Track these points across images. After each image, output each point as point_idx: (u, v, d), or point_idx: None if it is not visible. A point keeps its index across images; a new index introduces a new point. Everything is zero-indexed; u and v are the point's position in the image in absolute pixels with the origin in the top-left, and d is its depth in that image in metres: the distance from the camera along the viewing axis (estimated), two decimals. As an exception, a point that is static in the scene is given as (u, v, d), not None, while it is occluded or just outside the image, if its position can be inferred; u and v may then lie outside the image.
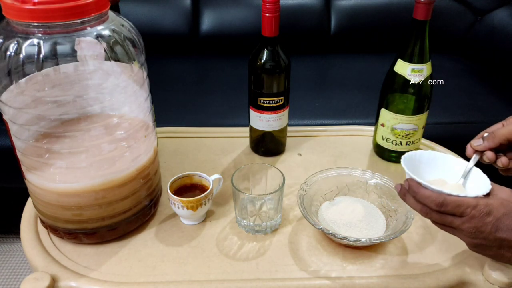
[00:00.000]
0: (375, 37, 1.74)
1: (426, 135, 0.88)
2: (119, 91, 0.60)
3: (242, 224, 0.68)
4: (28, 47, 0.52)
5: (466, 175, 0.58)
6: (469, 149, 0.59)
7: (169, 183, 0.68)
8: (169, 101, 1.37)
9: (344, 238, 0.61)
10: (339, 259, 0.64)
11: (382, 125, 0.83)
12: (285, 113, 0.83)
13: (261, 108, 0.81)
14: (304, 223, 0.70)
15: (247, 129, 0.88)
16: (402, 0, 1.70)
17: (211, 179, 0.70)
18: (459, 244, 0.64)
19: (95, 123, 0.58)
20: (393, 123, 0.81)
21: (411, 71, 0.77)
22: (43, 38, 0.53)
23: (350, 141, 0.93)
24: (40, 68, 0.53)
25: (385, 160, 0.87)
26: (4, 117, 0.58)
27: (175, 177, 0.70)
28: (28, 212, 0.71)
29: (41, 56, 0.52)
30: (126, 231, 0.67)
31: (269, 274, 0.61)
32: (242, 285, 0.60)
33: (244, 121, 0.90)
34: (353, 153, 0.89)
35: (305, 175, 0.74)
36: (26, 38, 0.53)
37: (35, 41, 0.52)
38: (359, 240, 0.61)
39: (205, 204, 0.67)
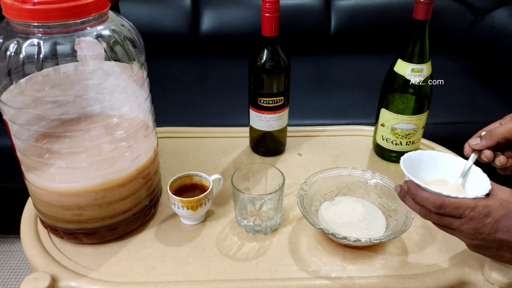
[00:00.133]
0: (375, 37, 1.74)
1: (426, 135, 0.88)
2: (119, 91, 0.60)
3: (242, 224, 0.68)
4: (28, 47, 0.52)
5: (465, 175, 0.58)
6: (467, 148, 0.59)
7: (169, 183, 0.68)
8: (169, 101, 1.37)
9: (344, 238, 0.61)
10: (339, 259, 0.64)
11: (382, 125, 0.83)
12: (285, 113, 0.83)
13: (261, 108, 0.81)
14: (304, 223, 0.70)
15: (247, 129, 0.88)
16: (402, 0, 1.70)
17: (211, 179, 0.70)
18: (459, 244, 0.64)
19: (95, 123, 0.58)
20: (393, 123, 0.81)
21: (411, 71, 0.77)
22: (43, 38, 0.53)
23: (350, 141, 0.93)
24: (40, 68, 0.53)
25: (385, 160, 0.87)
26: (4, 117, 0.58)
27: (175, 177, 0.70)
28: (28, 212, 0.71)
29: (41, 56, 0.52)
30: (126, 231, 0.67)
31: (269, 274, 0.61)
32: (242, 285, 0.60)
33: (244, 121, 0.90)
34: (353, 153, 0.89)
35: (305, 175, 0.74)
36: (26, 38, 0.53)
37: (35, 41, 0.52)
38: (359, 240, 0.61)
39: (205, 204, 0.67)
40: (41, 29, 0.53)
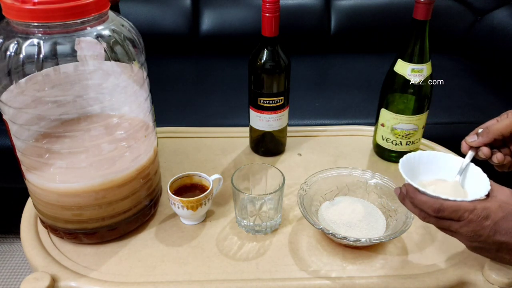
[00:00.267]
0: (375, 37, 1.74)
1: (426, 135, 0.88)
2: (119, 91, 0.60)
3: (242, 224, 0.68)
4: (28, 47, 0.52)
5: (462, 172, 0.58)
6: (464, 146, 0.59)
7: (169, 183, 0.68)
8: (169, 101, 1.37)
9: (344, 238, 0.61)
10: (339, 259, 0.64)
11: (382, 125, 0.83)
12: (285, 113, 0.83)
13: (261, 108, 0.81)
14: (304, 223, 0.70)
15: (247, 129, 0.88)
16: (402, 0, 1.70)
17: (211, 179, 0.70)
18: (459, 244, 0.63)
19: (95, 123, 0.58)
20: (393, 123, 0.81)
21: (411, 71, 0.77)
22: (43, 38, 0.53)
23: (350, 141, 0.93)
24: (40, 68, 0.53)
25: (385, 160, 0.87)
26: (4, 117, 0.58)
27: (175, 177, 0.70)
28: (28, 212, 0.71)
29: (41, 56, 0.52)
30: (126, 231, 0.67)
31: (269, 274, 0.61)
32: (242, 285, 0.60)
33: (244, 121, 0.90)
34: (353, 153, 0.89)
35: (305, 175, 0.74)
36: (26, 38, 0.53)
37: (35, 41, 0.52)
38: (359, 240, 0.61)
39: (205, 204, 0.67)
40: (41, 29, 0.53)
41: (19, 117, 0.57)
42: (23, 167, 0.61)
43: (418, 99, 0.79)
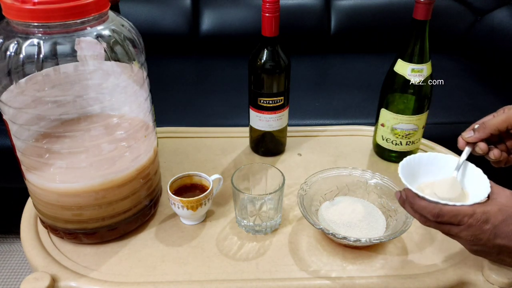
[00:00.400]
0: (375, 37, 1.74)
1: (426, 135, 0.88)
2: (119, 91, 0.60)
3: (242, 224, 0.68)
4: (28, 47, 0.52)
5: (459, 168, 0.58)
6: (460, 141, 0.59)
7: (169, 183, 0.68)
8: (169, 101, 1.37)
9: (344, 238, 0.61)
10: (339, 259, 0.64)
11: (382, 125, 0.83)
12: (285, 113, 0.83)
13: (261, 108, 0.81)
14: (304, 223, 0.70)
15: (247, 129, 0.88)
16: (402, 0, 1.70)
17: (211, 179, 0.70)
18: (459, 244, 0.63)
19: (95, 123, 0.58)
20: (393, 123, 0.81)
21: (411, 71, 0.77)
22: (43, 38, 0.53)
23: (350, 141, 0.93)
24: (40, 68, 0.53)
25: (385, 160, 0.87)
26: (4, 117, 0.58)
27: (175, 177, 0.70)
28: (28, 212, 0.71)
29: (41, 56, 0.52)
30: (126, 231, 0.67)
31: (269, 274, 0.61)
32: (242, 285, 0.60)
33: (244, 121, 0.90)
34: (353, 153, 0.89)
35: (305, 175, 0.74)
36: (26, 38, 0.53)
37: (35, 41, 0.52)
38: (359, 240, 0.61)
39: (205, 204, 0.67)
40: (41, 29, 0.53)
41: (19, 117, 0.57)
42: (23, 167, 0.61)
43: (418, 99, 0.79)
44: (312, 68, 1.63)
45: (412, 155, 0.61)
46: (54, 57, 0.53)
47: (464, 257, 0.63)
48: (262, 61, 0.77)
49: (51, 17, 0.52)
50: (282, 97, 0.80)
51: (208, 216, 0.71)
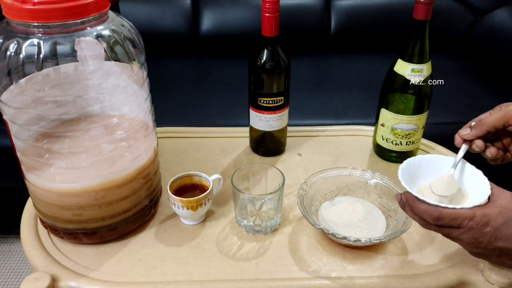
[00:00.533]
0: (375, 37, 1.74)
1: (426, 135, 0.88)
2: (119, 91, 0.60)
3: (242, 224, 0.68)
4: (28, 47, 0.52)
5: (456, 165, 0.58)
6: (457, 139, 0.59)
7: (169, 183, 0.68)
8: (169, 101, 1.37)
9: (344, 238, 0.61)
10: (339, 259, 0.64)
11: (382, 125, 0.83)
12: (285, 113, 0.83)
13: (261, 108, 0.81)
14: (304, 223, 0.70)
15: (247, 129, 0.88)
16: (402, 0, 1.70)
17: (211, 179, 0.70)
18: (459, 245, 0.64)
19: (95, 123, 0.58)
20: (393, 123, 0.81)
21: (411, 71, 0.77)
22: (43, 38, 0.53)
23: (350, 141, 0.93)
24: (40, 68, 0.53)
25: (385, 160, 0.87)
26: (4, 117, 0.58)
27: (175, 177, 0.70)
28: (28, 212, 0.71)
29: (41, 56, 0.52)
30: (126, 231, 0.67)
31: (269, 274, 0.61)
32: (242, 285, 0.60)
33: (244, 121, 0.90)
34: (353, 153, 0.89)
35: (305, 175, 0.74)
36: (26, 38, 0.53)
37: (35, 41, 0.52)
38: (359, 240, 0.61)
39: (205, 204, 0.67)
40: (41, 29, 0.53)
41: (19, 117, 0.57)
42: (23, 167, 0.61)
43: (418, 99, 0.79)
44: (312, 68, 1.63)
45: (412, 158, 0.61)
46: (54, 57, 0.53)
47: (464, 257, 0.63)
48: (262, 61, 0.77)
49: (51, 17, 0.52)
50: (282, 97, 0.80)
51: (208, 216, 0.71)
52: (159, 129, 0.91)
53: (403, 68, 0.77)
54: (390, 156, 0.86)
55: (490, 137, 0.58)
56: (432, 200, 0.52)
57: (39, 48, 0.52)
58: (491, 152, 0.57)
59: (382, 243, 0.66)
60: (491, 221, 0.49)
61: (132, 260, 0.63)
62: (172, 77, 1.54)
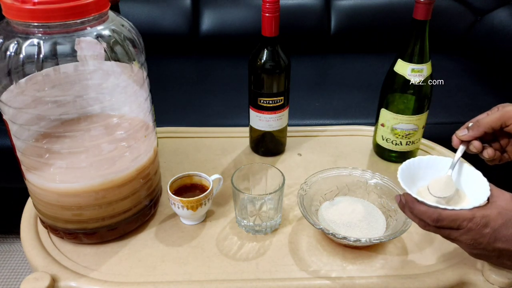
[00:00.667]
0: (375, 37, 1.74)
1: (426, 135, 0.88)
2: (119, 91, 0.60)
3: (242, 224, 0.68)
4: (28, 47, 0.52)
5: (454, 166, 0.58)
6: (455, 140, 0.59)
7: (169, 183, 0.68)
8: (169, 101, 1.37)
9: (344, 238, 0.61)
10: (339, 259, 0.64)
11: (382, 125, 0.83)
12: (285, 113, 0.83)
13: (261, 108, 0.81)
14: (304, 223, 0.70)
15: (247, 129, 0.88)
16: (402, 0, 1.70)
17: (211, 179, 0.70)
18: (459, 244, 0.64)
19: (95, 123, 0.58)
20: (393, 123, 0.81)
21: (411, 71, 0.77)
22: (43, 38, 0.53)
23: (350, 141, 0.93)
24: (40, 68, 0.53)
25: (385, 160, 0.87)
26: (4, 117, 0.58)
27: (175, 177, 0.70)
28: (28, 212, 0.71)
29: (41, 56, 0.52)
30: (126, 231, 0.67)
31: (269, 274, 0.61)
32: (242, 285, 0.60)
33: (244, 121, 0.90)
34: (353, 153, 0.89)
35: (305, 175, 0.74)
36: (26, 38, 0.53)
37: (35, 41, 0.52)
38: (359, 240, 0.61)
39: (205, 204, 0.67)
40: (41, 29, 0.53)
41: (19, 117, 0.57)
42: (23, 167, 0.61)
43: (418, 99, 0.79)
44: (312, 68, 1.63)
45: (412, 159, 0.61)
46: (54, 57, 0.53)
47: (464, 257, 0.63)
48: (262, 61, 0.77)
49: (51, 17, 0.52)
50: (282, 97, 0.80)
51: (208, 216, 0.71)
52: (159, 129, 0.91)
53: (403, 68, 0.77)
54: (390, 156, 0.86)
55: (487, 137, 0.58)
56: (430, 201, 0.52)
57: (39, 48, 0.52)
58: (488, 153, 0.58)
59: (382, 243, 0.66)
60: (490, 222, 0.49)
61: (132, 260, 0.63)
62: (172, 77, 1.54)
